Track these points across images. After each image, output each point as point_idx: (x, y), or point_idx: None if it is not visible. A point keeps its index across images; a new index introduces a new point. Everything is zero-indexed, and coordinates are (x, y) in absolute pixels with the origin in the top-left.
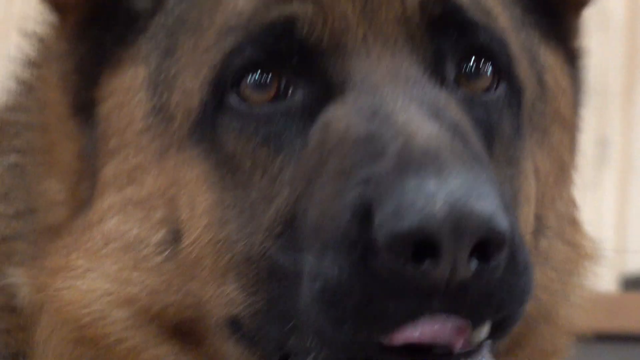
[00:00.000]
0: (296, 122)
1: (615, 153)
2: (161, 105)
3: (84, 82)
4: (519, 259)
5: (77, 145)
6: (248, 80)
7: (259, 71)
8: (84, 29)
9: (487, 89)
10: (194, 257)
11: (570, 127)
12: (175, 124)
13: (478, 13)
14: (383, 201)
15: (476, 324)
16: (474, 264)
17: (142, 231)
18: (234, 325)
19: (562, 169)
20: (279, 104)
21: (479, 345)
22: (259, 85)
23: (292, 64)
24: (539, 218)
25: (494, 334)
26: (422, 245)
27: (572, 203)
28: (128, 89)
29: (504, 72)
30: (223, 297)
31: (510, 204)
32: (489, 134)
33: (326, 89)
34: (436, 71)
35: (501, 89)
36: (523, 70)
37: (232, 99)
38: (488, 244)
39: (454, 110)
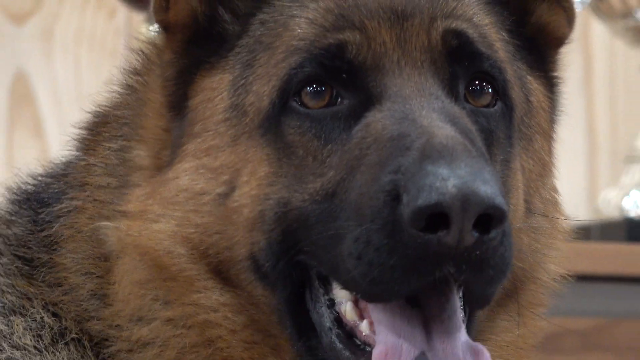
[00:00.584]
0: (342, 122)
1: None
2: (238, 103)
3: (181, 84)
4: (507, 236)
5: (165, 126)
6: (307, 90)
7: (316, 84)
8: (187, 45)
9: (488, 105)
10: (237, 206)
11: (548, 136)
12: (247, 118)
13: (484, 46)
14: (408, 186)
15: (474, 282)
16: (476, 234)
17: (207, 186)
18: (255, 265)
19: (544, 166)
20: (330, 109)
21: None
22: (316, 94)
23: (342, 79)
24: (527, 202)
25: (484, 292)
26: (437, 217)
27: (553, 190)
28: (215, 89)
29: (501, 93)
30: (249, 239)
31: (504, 193)
32: (488, 139)
33: (367, 99)
34: (451, 89)
35: (498, 106)
36: (515, 92)
37: (294, 103)
38: (489, 218)
39: (464, 119)
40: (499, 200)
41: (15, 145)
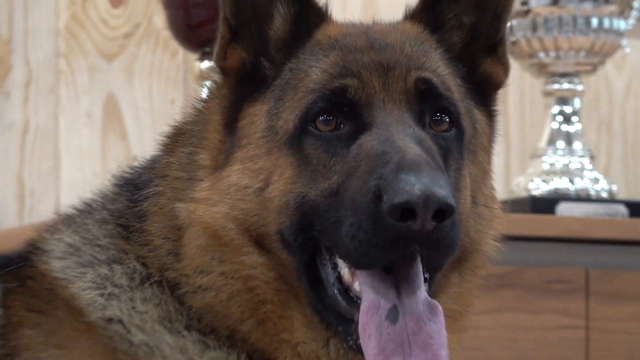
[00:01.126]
0: (343, 142)
1: None
2: (272, 125)
3: (233, 111)
4: (455, 224)
5: (221, 139)
6: (320, 119)
7: (326, 114)
8: (237, 84)
9: (446, 130)
10: (269, 198)
11: (488, 151)
12: (278, 136)
13: (444, 89)
14: (387, 189)
15: (432, 255)
16: (434, 223)
17: (250, 182)
18: (282, 238)
19: (485, 173)
20: (335, 132)
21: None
22: (325, 122)
23: (344, 111)
24: (473, 197)
25: (439, 262)
26: (407, 211)
27: (492, 188)
28: (256, 115)
29: (455, 122)
30: (277, 220)
31: (455, 194)
32: (446, 154)
33: (361, 126)
34: (420, 120)
35: (453, 131)
36: (465, 121)
37: (310, 127)
38: (443, 212)
39: (428, 141)
40: (450, 199)
41: (107, 147)
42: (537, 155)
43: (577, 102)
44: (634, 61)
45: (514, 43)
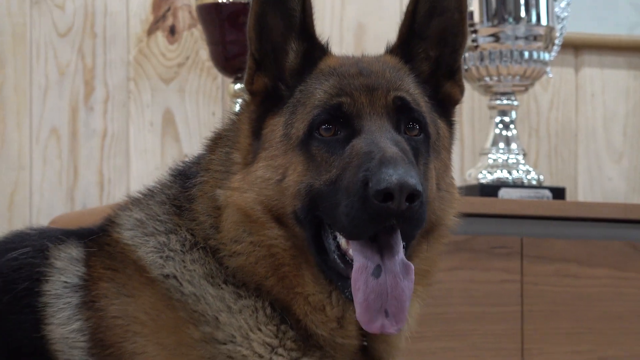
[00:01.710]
0: (340, 144)
1: None
2: (287, 133)
3: (259, 122)
4: (423, 205)
5: (250, 143)
6: (322, 127)
7: (327, 124)
8: (262, 102)
9: (416, 135)
10: (285, 187)
11: (448, 151)
12: (292, 140)
13: (415, 105)
14: (372, 179)
15: (406, 228)
16: (407, 204)
17: (271, 175)
18: (295, 216)
19: (446, 166)
20: (334, 137)
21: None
22: (327, 129)
23: (340, 122)
24: (437, 185)
25: (411, 233)
26: (387, 195)
27: (451, 177)
28: (275, 125)
29: (423, 129)
30: (292, 203)
31: (423, 183)
32: (416, 153)
33: (353, 132)
34: (397, 127)
35: (421, 136)
36: (431, 128)
37: (315, 134)
38: (413, 195)
39: (403, 143)
40: (419, 187)
41: (165, 148)
42: (484, 153)
43: (513, 114)
44: (555, 83)
45: (466, 70)
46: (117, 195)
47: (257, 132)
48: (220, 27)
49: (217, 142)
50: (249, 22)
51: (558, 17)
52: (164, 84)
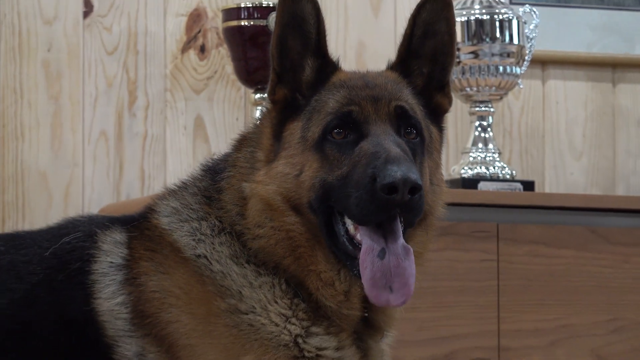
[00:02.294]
0: (350, 146)
1: None
2: (304, 135)
3: (280, 126)
4: (422, 197)
5: (271, 144)
6: (334, 131)
7: (338, 128)
8: (282, 109)
9: (414, 138)
10: (302, 181)
11: (439, 152)
12: (308, 142)
13: (412, 113)
14: (379, 175)
15: (407, 216)
16: (409, 196)
17: (290, 171)
18: (310, 206)
19: (437, 165)
20: (345, 140)
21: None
22: (338, 133)
23: (350, 127)
24: (430, 180)
25: (411, 220)
26: (392, 189)
27: (441, 174)
28: (294, 129)
29: (419, 133)
30: (307, 195)
31: (421, 178)
32: (414, 154)
33: (361, 136)
34: (397, 131)
35: (418, 139)
36: (425, 133)
37: (329, 137)
38: (414, 189)
39: (404, 145)
40: (419, 181)
41: (196, 148)
42: (465, 152)
43: (490, 119)
44: (525, 92)
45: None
46: (155, 187)
47: (277, 134)
48: (243, 46)
49: (243, 142)
50: (272, 42)
51: (527, 37)
52: (195, 94)
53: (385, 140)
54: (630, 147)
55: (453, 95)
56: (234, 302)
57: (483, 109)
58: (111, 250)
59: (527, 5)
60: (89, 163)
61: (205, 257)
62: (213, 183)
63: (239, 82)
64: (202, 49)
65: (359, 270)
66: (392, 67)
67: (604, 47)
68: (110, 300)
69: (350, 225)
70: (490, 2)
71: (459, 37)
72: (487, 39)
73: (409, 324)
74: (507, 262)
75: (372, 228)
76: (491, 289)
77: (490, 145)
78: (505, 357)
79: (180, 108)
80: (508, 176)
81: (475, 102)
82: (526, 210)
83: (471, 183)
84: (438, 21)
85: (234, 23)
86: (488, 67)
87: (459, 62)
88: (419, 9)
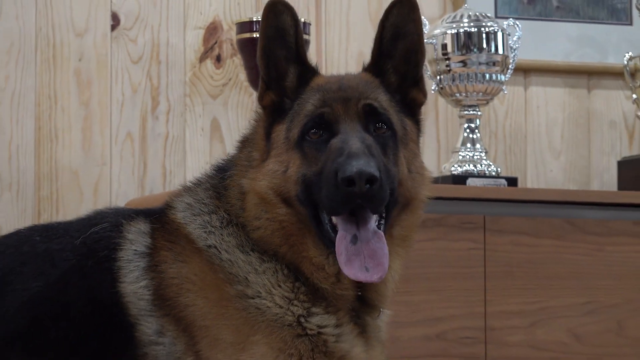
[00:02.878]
0: (324, 144)
1: None
2: (287, 136)
3: (269, 128)
4: (381, 187)
5: (264, 144)
6: (311, 132)
7: (314, 129)
8: (270, 113)
9: (384, 133)
10: (288, 176)
11: (416, 142)
12: (290, 142)
13: (382, 110)
14: (339, 170)
15: (370, 205)
16: (367, 186)
17: (278, 168)
18: (297, 198)
19: (415, 154)
20: (319, 139)
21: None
22: (314, 133)
23: (323, 127)
24: (408, 169)
25: (376, 208)
26: (349, 181)
27: (421, 162)
28: (280, 130)
29: (389, 127)
30: (294, 189)
31: (393, 169)
32: (384, 147)
33: (332, 134)
34: (367, 128)
35: (389, 132)
36: (397, 126)
37: (307, 137)
38: (371, 180)
39: (369, 140)
40: (376, 173)
41: (212, 148)
42: (455, 151)
43: (477, 121)
44: (509, 98)
45: (442, 88)
46: (176, 183)
47: (268, 136)
48: (255, 56)
49: (244, 143)
50: (258, 53)
51: (511, 47)
52: (212, 99)
53: (351, 137)
54: (603, 147)
55: (444, 100)
56: (241, 287)
57: (471, 112)
58: (136, 239)
59: (510, 19)
60: (116, 162)
61: (215, 247)
62: (222, 180)
63: (251, 89)
64: (218, 59)
65: None
66: (367, 68)
67: (580, 56)
68: (134, 284)
69: None
70: (477, 16)
71: (449, 47)
72: (475, 50)
73: (404, 307)
74: (493, 250)
75: (346, 217)
76: (478, 275)
77: (478, 145)
78: (491, 336)
79: (198, 112)
80: (494, 173)
81: (464, 106)
82: (510, 203)
83: (460, 179)
84: (406, 23)
85: (247, 35)
86: (476, 74)
87: (449, 70)
88: (387, 14)
